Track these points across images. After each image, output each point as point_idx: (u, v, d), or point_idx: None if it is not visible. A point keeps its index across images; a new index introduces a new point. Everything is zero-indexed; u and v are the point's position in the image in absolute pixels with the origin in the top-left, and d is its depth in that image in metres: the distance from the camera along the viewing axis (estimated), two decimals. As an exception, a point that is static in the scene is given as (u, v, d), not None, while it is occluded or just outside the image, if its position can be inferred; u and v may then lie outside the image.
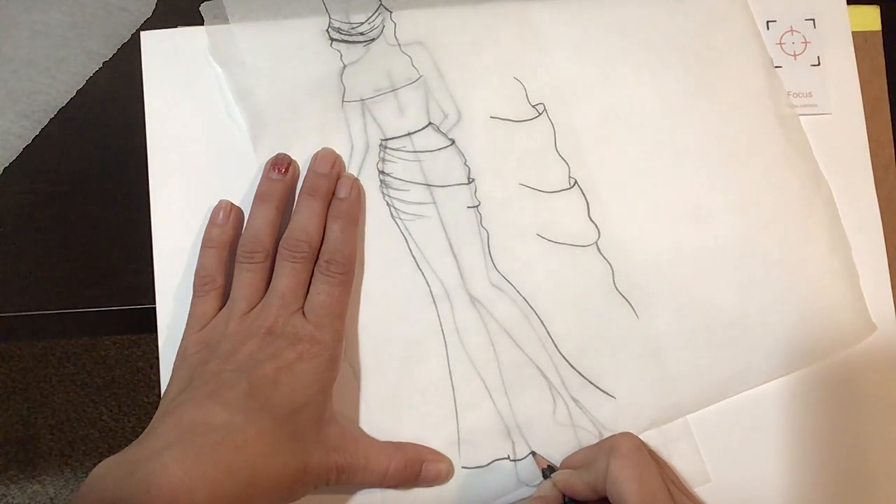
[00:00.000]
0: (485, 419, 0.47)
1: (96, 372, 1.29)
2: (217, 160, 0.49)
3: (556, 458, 0.46)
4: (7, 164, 0.50)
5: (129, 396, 1.28)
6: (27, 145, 0.50)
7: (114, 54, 0.51)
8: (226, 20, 0.49)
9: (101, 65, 0.51)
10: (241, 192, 0.48)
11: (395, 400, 0.47)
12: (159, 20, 0.51)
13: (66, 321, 0.49)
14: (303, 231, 0.45)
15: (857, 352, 0.48)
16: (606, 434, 0.46)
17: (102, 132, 0.51)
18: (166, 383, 0.45)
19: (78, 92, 0.51)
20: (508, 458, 0.47)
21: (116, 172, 0.50)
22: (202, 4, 0.50)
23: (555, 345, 0.47)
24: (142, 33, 0.50)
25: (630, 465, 0.40)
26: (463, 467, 0.46)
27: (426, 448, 0.46)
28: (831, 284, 0.49)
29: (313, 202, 0.46)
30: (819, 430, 0.48)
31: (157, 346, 0.47)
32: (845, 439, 0.47)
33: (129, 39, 0.51)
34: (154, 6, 0.51)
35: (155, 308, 0.48)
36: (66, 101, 0.51)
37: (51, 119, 0.50)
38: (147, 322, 0.48)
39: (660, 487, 0.39)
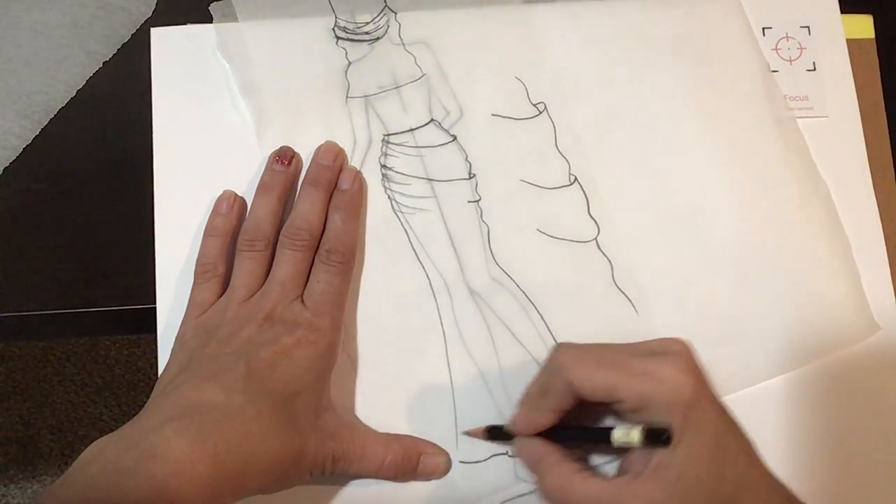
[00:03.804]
0: (483, 413, 0.47)
1: (96, 372, 1.28)
2: (222, 153, 0.49)
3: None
4: (7, 164, 0.50)
5: (129, 396, 1.28)
6: (27, 145, 0.50)
7: (114, 54, 0.51)
8: (234, 19, 0.50)
9: (101, 65, 0.51)
10: (245, 185, 0.49)
11: (393, 392, 0.47)
12: (159, 20, 0.51)
13: (66, 321, 0.49)
14: (304, 220, 0.46)
15: (857, 351, 0.48)
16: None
17: (102, 132, 0.51)
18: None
19: (78, 92, 0.51)
20: (507, 453, 0.46)
21: (116, 172, 0.50)
22: (212, 4, 0.51)
23: (554, 340, 0.48)
24: (151, 29, 0.51)
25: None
26: (460, 462, 0.46)
27: (424, 441, 0.46)
28: (832, 284, 0.49)
29: (315, 192, 0.47)
30: (819, 427, 0.47)
31: (157, 346, 0.47)
32: (845, 437, 0.47)
33: (129, 39, 0.51)
34: (154, 6, 0.51)
35: (155, 308, 0.48)
36: (66, 101, 0.51)
37: (51, 119, 0.51)
38: (147, 322, 0.48)
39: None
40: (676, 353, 0.40)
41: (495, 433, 0.45)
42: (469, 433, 0.46)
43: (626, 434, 0.39)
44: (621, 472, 0.41)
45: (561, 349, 0.41)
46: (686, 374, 0.38)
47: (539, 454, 0.42)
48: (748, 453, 0.40)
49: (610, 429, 0.40)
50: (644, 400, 0.38)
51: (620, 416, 0.41)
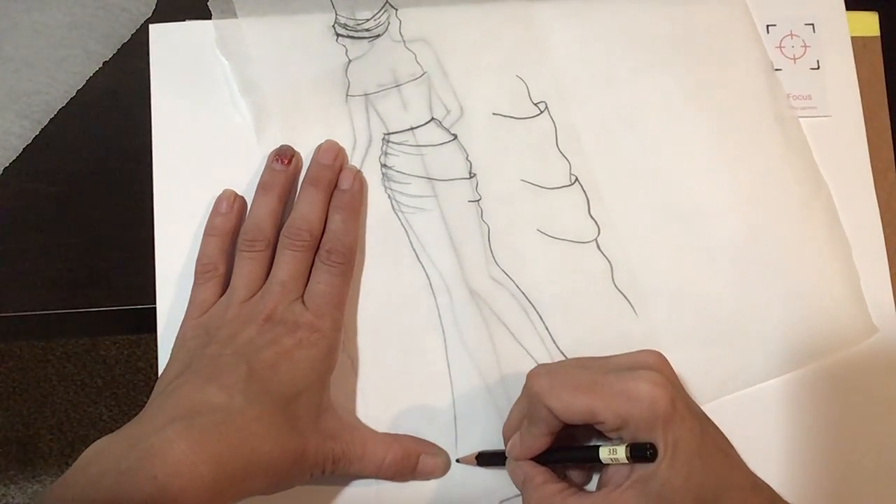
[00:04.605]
0: (482, 413, 0.47)
1: (96, 372, 1.28)
2: (222, 152, 0.49)
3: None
4: (7, 164, 0.50)
5: (129, 396, 1.28)
6: (27, 145, 0.50)
7: (114, 54, 0.51)
8: (233, 15, 0.50)
9: (101, 65, 0.51)
10: (245, 184, 0.49)
11: (392, 392, 0.47)
12: (159, 20, 0.51)
13: (66, 321, 0.49)
14: (304, 220, 0.45)
15: (857, 352, 0.48)
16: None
17: (102, 132, 0.51)
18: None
19: (78, 92, 0.51)
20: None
21: (116, 172, 0.50)
22: (210, 0, 0.50)
23: (553, 340, 0.47)
24: (150, 26, 0.51)
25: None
26: (459, 461, 0.46)
27: (423, 441, 0.46)
28: (831, 285, 0.49)
29: (315, 192, 0.46)
30: (818, 429, 0.47)
31: (157, 346, 0.47)
32: (844, 439, 0.47)
33: (129, 39, 0.51)
34: (154, 6, 0.51)
35: (155, 308, 0.48)
36: (66, 101, 0.51)
37: (51, 119, 0.50)
38: (147, 322, 0.48)
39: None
40: (650, 366, 0.40)
41: (486, 459, 0.45)
42: (460, 461, 0.46)
43: (611, 452, 0.39)
44: (601, 485, 0.42)
45: (535, 376, 0.41)
46: (661, 387, 0.38)
47: (526, 475, 0.42)
48: (728, 455, 0.40)
49: (596, 447, 0.40)
50: (623, 419, 0.38)
51: (604, 433, 0.41)
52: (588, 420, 0.39)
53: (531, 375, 0.41)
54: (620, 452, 0.39)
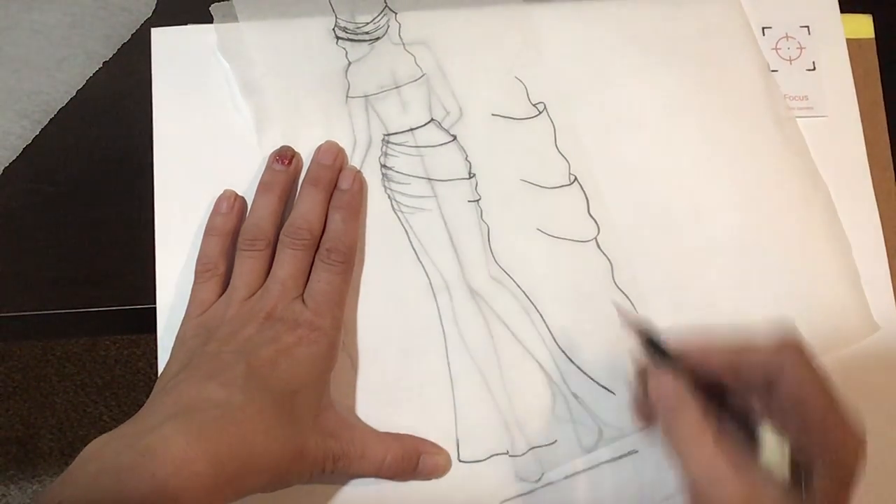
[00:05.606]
0: (483, 413, 0.47)
1: (96, 372, 1.28)
2: (222, 153, 0.49)
3: (559, 452, 0.46)
4: (7, 164, 0.50)
5: (129, 396, 1.28)
6: (27, 145, 0.50)
7: (114, 54, 0.51)
8: (235, 20, 0.50)
9: (101, 65, 0.51)
10: (245, 185, 0.49)
11: (393, 392, 0.47)
12: (159, 20, 0.51)
13: (66, 321, 0.49)
14: (304, 219, 0.46)
15: (857, 351, 0.48)
16: (607, 430, 0.46)
17: (102, 132, 0.51)
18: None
19: (78, 92, 0.51)
20: (507, 453, 0.46)
21: (116, 172, 0.50)
22: (213, 5, 0.51)
23: (554, 339, 0.48)
24: (152, 29, 0.51)
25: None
26: (460, 461, 0.46)
27: (424, 440, 0.46)
28: (831, 283, 0.49)
29: (315, 192, 0.47)
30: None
31: (157, 346, 0.47)
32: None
33: (129, 39, 0.51)
34: (154, 6, 0.51)
35: (155, 308, 0.48)
36: (66, 101, 0.51)
37: (51, 119, 0.51)
38: (147, 322, 0.48)
39: None
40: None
41: (652, 345, 0.40)
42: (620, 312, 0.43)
43: (774, 453, 0.36)
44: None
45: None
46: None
47: (688, 422, 0.37)
48: None
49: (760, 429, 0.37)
50: (831, 448, 0.37)
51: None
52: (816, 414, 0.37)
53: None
54: (783, 464, 0.35)
